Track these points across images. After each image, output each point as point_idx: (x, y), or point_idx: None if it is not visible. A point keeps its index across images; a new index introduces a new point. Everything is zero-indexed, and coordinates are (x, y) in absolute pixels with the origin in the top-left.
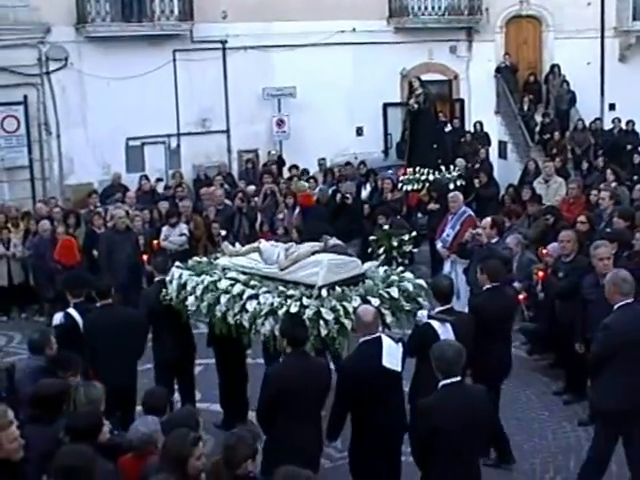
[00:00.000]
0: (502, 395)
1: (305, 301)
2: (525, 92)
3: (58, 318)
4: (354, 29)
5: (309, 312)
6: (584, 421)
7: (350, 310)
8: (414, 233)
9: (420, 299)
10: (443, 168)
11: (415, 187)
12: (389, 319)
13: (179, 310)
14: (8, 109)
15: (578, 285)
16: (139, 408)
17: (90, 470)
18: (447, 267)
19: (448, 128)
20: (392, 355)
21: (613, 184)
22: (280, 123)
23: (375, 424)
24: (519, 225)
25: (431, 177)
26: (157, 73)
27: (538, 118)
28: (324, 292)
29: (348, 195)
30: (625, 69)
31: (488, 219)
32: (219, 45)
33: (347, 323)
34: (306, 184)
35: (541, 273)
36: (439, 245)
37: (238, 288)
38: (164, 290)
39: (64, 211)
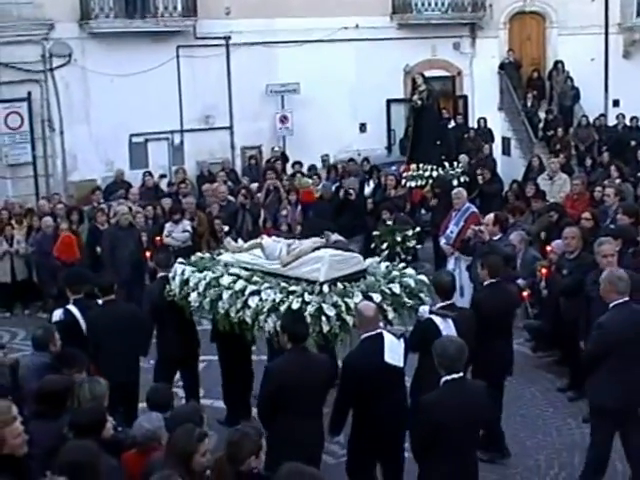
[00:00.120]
0: (506, 392)
1: (307, 297)
2: (529, 88)
3: (57, 314)
4: (357, 25)
5: (311, 308)
6: (588, 418)
7: (352, 306)
8: (418, 229)
9: (422, 295)
10: (447, 164)
11: (419, 183)
12: (391, 315)
13: (182, 306)
14: (12, 105)
15: (582, 282)
16: (143, 405)
17: (95, 466)
18: (451, 264)
19: (451, 124)
20: (394, 351)
21: (617, 180)
22: (283, 119)
23: (377, 419)
24: (523, 222)
25: (435, 174)
26: (160, 69)
27: (542, 114)
28: (326, 288)
29: (351, 191)
30: (629, 65)
31: (491, 215)
32: (222, 41)
33: (349, 319)
34: (309, 181)
35: (545, 270)
36: (443, 242)
37: (240, 284)
38: (167, 286)
39: (67, 207)
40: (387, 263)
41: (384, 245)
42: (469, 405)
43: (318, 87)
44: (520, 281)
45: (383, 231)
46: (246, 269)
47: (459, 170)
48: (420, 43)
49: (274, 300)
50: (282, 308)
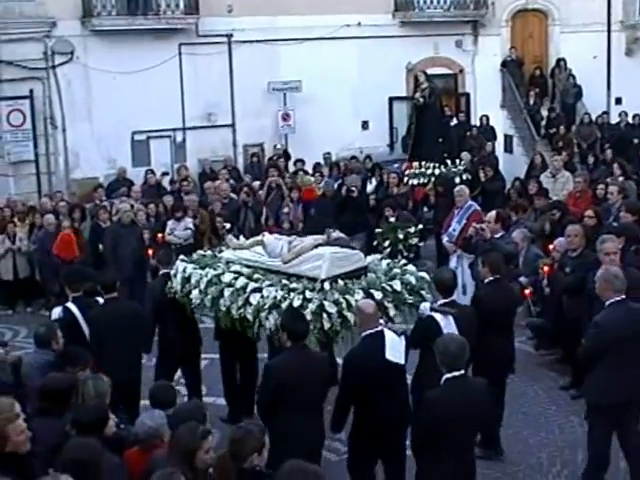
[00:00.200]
0: (509, 390)
1: (308, 294)
2: (531, 86)
3: (57, 312)
4: (360, 23)
5: (312, 305)
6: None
7: (353, 303)
8: (420, 226)
9: (423, 292)
10: (449, 162)
11: (421, 181)
12: (392, 312)
13: (184, 304)
14: (14, 103)
15: (585, 280)
16: (145, 402)
17: (98, 463)
18: (453, 262)
19: (454, 122)
20: (395, 348)
21: (620, 178)
22: (285, 117)
23: (378, 417)
24: (525, 219)
25: (437, 171)
26: (163, 67)
27: (544, 112)
28: (327, 285)
29: (353, 189)
30: (631, 63)
31: (493, 213)
32: (225, 39)
33: (350, 316)
34: (312, 178)
35: (547, 268)
36: (445, 239)
37: (241, 281)
38: (169, 284)
39: (70, 205)
40: (388, 260)
41: (386, 243)
42: (470, 402)
43: (320, 85)
44: (522, 279)
45: (385, 229)
46: (248, 266)
47: (461, 168)
48: (422, 41)
49: (275, 297)
50: (283, 305)
